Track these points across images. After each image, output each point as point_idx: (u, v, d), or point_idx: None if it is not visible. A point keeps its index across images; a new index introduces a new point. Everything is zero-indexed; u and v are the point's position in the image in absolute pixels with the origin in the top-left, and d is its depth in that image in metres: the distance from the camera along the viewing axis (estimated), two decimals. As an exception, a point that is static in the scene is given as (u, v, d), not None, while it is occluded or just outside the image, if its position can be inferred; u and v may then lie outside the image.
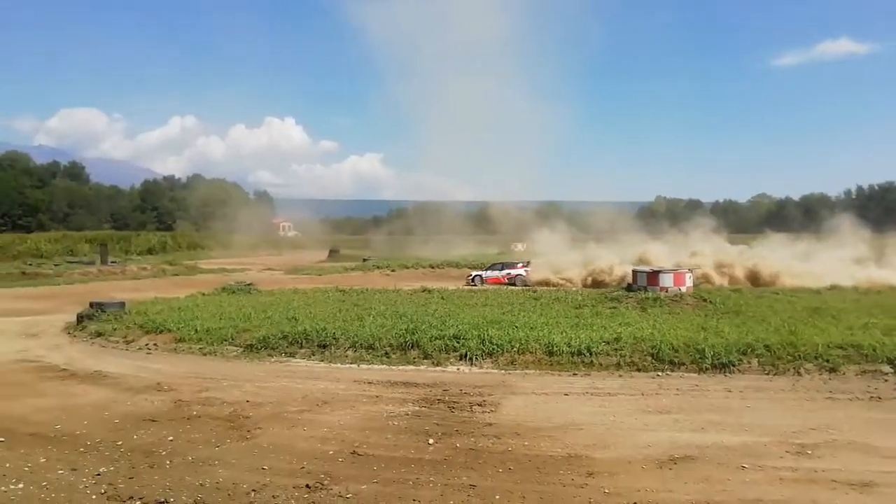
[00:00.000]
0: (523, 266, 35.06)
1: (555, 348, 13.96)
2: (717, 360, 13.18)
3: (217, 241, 71.22)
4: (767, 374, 12.91)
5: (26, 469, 8.09)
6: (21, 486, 7.54)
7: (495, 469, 8.16)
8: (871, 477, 7.79)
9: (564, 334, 14.84)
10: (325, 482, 7.68)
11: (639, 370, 13.25)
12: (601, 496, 7.36)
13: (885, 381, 12.26)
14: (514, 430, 9.71)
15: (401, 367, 13.91)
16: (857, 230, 37.17)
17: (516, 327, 15.77)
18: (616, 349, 13.85)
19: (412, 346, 14.72)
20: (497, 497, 7.32)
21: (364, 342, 14.99)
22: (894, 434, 9.41)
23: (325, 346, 15.09)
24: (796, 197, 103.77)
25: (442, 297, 23.50)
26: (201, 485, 7.60)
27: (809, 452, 8.73)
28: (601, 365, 13.46)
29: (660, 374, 13.04)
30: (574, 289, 29.23)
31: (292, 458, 8.54)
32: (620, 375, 13.03)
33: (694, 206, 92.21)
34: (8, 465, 8.22)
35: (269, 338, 15.59)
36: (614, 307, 19.76)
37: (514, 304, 21.02)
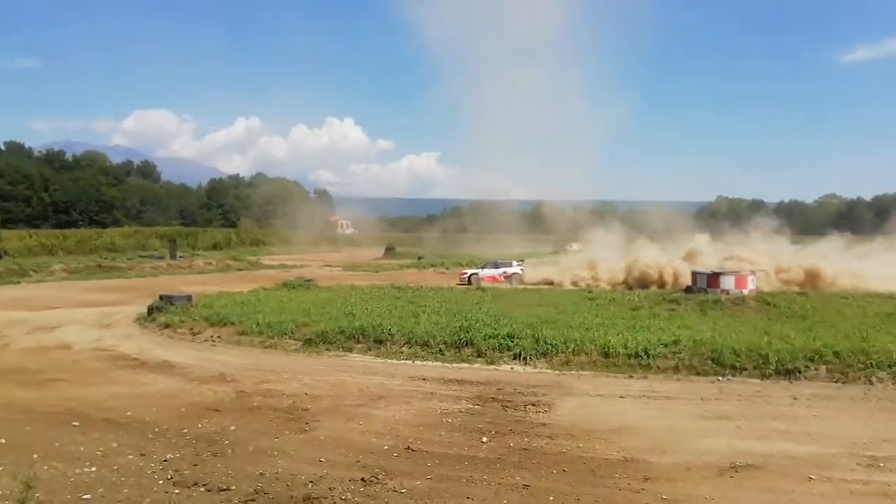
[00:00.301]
0: (518, 265, 35.14)
1: (611, 350, 13.75)
2: (782, 365, 12.70)
3: (278, 238, 73.15)
4: (836, 381, 12.36)
5: (98, 453, 8.54)
6: (94, 469, 7.96)
7: (549, 470, 8.12)
8: (950, 494, 7.38)
9: (621, 336, 14.59)
10: (380, 477, 7.81)
11: (698, 374, 12.91)
12: (658, 502, 7.22)
13: (968, 392, 11.56)
14: (569, 431, 9.63)
15: (455, 365, 13.98)
16: None
17: (571, 327, 15.61)
18: (674, 352, 13.53)
19: (466, 344, 14.78)
20: (551, 498, 7.28)
21: (419, 339, 15.14)
22: (976, 449, 8.87)
23: (380, 342, 15.32)
24: (868, 197, 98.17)
25: (495, 296, 23.47)
26: (261, 474, 7.86)
27: (882, 465, 8.31)
28: (658, 368, 13.18)
29: (720, 378, 12.67)
30: (601, 287, 28.56)
31: (348, 451, 8.72)
32: (679, 379, 12.72)
33: (757, 207, 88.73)
34: (82, 448, 8.70)
35: (327, 332, 15.93)
36: (673, 309, 19.29)
37: (569, 304, 20.79)
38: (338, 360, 14.72)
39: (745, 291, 21.12)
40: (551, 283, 31.35)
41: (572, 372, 13.30)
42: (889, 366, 12.47)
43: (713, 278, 21.88)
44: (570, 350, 13.95)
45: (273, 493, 7.27)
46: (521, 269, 34.30)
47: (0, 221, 47.08)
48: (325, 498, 7.14)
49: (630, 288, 27.81)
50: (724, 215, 68.66)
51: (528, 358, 13.94)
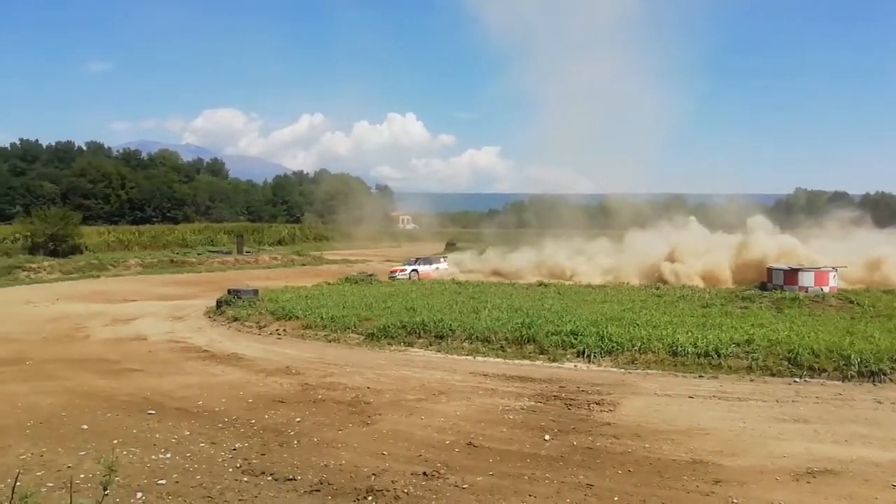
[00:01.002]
0: (444, 260, 38.08)
1: (679, 348, 13.32)
2: (866, 367, 11.98)
3: (340, 233, 74.46)
4: (926, 385, 11.58)
5: (173, 440, 8.87)
6: (168, 455, 8.28)
7: (614, 470, 7.92)
8: None
9: (690, 334, 14.11)
10: (442, 471, 7.80)
11: (773, 375, 12.33)
12: (730, 507, 6.93)
13: None
14: (635, 431, 9.37)
15: (516, 361, 13.85)
16: None
17: (637, 325, 15.21)
18: (748, 352, 12.97)
19: (528, 341, 14.61)
20: (616, 499, 7.09)
21: (480, 335, 15.07)
22: None
23: (441, 337, 15.34)
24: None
25: (558, 293, 23.15)
26: (325, 465, 7.98)
27: (978, 477, 7.72)
28: (730, 368, 12.67)
29: (797, 380, 12.06)
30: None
31: (410, 445, 8.76)
32: (752, 380, 12.19)
33: (839, 198, 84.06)
34: (158, 435, 9.06)
35: (388, 327, 16.07)
36: (746, 307, 18.52)
37: (636, 301, 20.29)
38: (399, 354, 14.84)
39: (826, 289, 20.09)
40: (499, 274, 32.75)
41: (638, 371, 12.95)
42: None
43: (791, 275, 20.91)
44: (636, 348, 13.59)
45: (337, 484, 7.37)
46: (444, 265, 36.84)
47: (81, 218, 49.70)
48: (388, 491, 7.18)
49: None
50: (802, 208, 65.33)
51: (592, 356, 13.67)
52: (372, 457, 8.28)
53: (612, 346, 13.75)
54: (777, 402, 10.80)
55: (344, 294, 22.43)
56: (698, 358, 13.02)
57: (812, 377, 12.11)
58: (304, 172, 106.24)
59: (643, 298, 20.94)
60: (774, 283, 21.21)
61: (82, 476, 7.35)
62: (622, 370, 13.03)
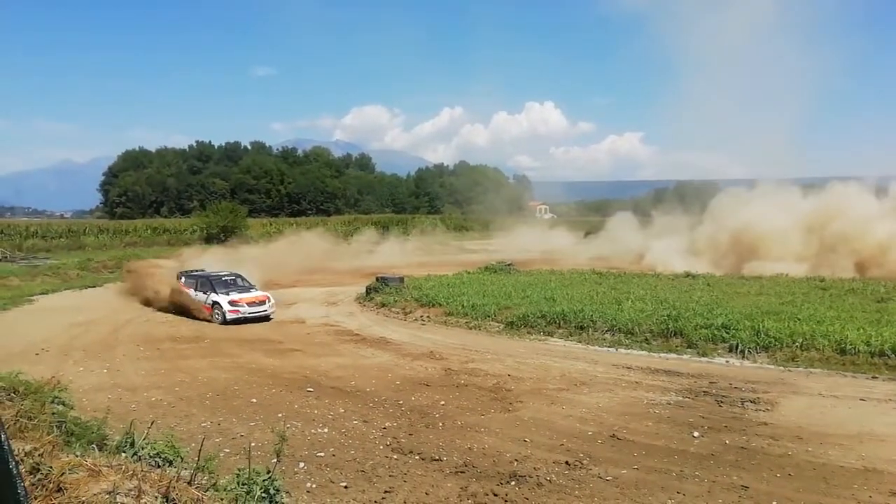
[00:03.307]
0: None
1: (849, 346, 12.15)
2: None
3: (479, 223, 75.47)
4: None
5: (329, 416, 9.59)
6: (325, 430, 8.96)
7: (771, 472, 7.44)
8: None
9: (862, 331, 12.81)
10: (585, 462, 7.76)
11: (966, 379, 10.90)
12: (909, 522, 6.27)
13: None
14: (795, 433, 8.72)
15: (662, 355, 13.36)
16: None
17: (798, 320, 14.04)
18: (933, 352, 11.55)
19: (674, 334, 14.03)
20: (774, 503, 6.67)
21: (622, 327, 14.69)
22: None
23: (582, 328, 15.14)
24: None
25: (708, 284, 21.92)
26: (469, 448, 8.24)
27: None
28: (911, 369, 11.36)
29: None
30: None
31: (552, 433, 8.79)
32: (939, 384, 10.85)
33: None
34: (316, 411, 9.83)
35: (528, 316, 16.13)
36: (931, 302, 16.45)
37: (796, 294, 18.72)
38: (539, 343, 14.85)
39: None
40: None
41: (800, 369, 11.99)
42: None
43: None
44: (797, 345, 12.59)
45: (481, 467, 7.58)
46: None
47: (247, 212, 54.72)
48: (531, 477, 7.28)
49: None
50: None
51: (746, 351, 12.86)
52: (514, 443, 8.42)
53: (769, 342, 12.84)
54: (971, 410, 9.54)
55: (483, 283, 22.76)
56: (871, 357, 11.81)
57: None
58: (445, 165, 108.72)
59: (805, 291, 19.26)
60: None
61: (253, 444, 8.17)
62: (781, 367, 12.13)
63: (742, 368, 12.26)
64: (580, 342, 14.65)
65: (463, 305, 17.88)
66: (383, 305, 19.68)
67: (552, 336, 15.26)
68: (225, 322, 17.69)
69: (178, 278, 20.23)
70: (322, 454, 7.98)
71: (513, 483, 7.14)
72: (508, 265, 29.24)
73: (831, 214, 28.29)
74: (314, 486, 7.04)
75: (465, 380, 11.68)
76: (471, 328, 16.55)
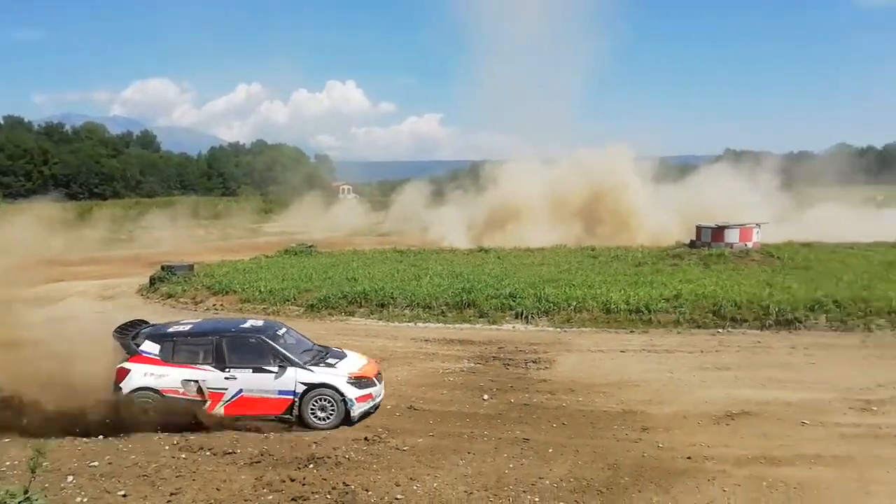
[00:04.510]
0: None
1: (612, 306, 13.83)
2: (782, 316, 12.77)
3: (279, 205, 73.03)
4: (836, 330, 12.45)
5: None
6: (100, 437, 8.08)
7: (549, 424, 8.24)
8: (945, 436, 7.48)
9: (623, 292, 14.64)
10: (383, 436, 7.94)
11: (699, 327, 13.00)
12: (654, 450, 7.34)
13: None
14: (569, 386, 9.74)
15: (457, 326, 14.07)
16: None
17: (573, 286, 15.65)
18: (675, 307, 13.59)
19: (468, 305, 14.85)
20: (550, 451, 7.40)
21: (421, 301, 15.20)
22: (973, 392, 8.95)
23: (383, 306, 15.39)
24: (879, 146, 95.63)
25: (498, 257, 23.48)
26: (266, 437, 8.00)
27: (875, 409, 8.43)
28: (659, 322, 13.27)
29: (720, 331, 12.76)
30: None
31: (351, 412, 8.82)
32: (679, 333, 12.81)
33: (762, 159, 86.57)
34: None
35: (329, 298, 15.99)
36: (675, 264, 19.29)
37: (572, 263, 20.80)
38: (340, 324, 14.83)
39: (750, 244, 21.08)
40: None
41: (574, 329, 13.39)
42: (888, 313, 12.56)
43: (718, 232, 21.81)
44: (572, 308, 14.02)
45: (277, 454, 7.39)
46: None
47: (1, 196, 47.09)
48: (329, 458, 7.28)
49: None
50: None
51: (529, 317, 14.03)
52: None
53: (549, 307, 14.14)
54: (702, 352, 11.41)
55: (283, 266, 22.09)
56: (630, 314, 13.56)
57: (734, 328, 12.83)
58: (241, 143, 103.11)
59: (579, 260, 21.48)
60: (703, 240, 22.10)
61: (8, 463, 7.14)
62: (558, 329, 13.45)
63: (526, 332, 13.38)
64: (381, 319, 14.89)
65: (260, 291, 17.20)
66: (170, 296, 18.23)
67: (353, 315, 15.32)
68: (348, 422, 8.44)
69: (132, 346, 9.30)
70: (96, 463, 7.21)
71: (311, 466, 7.07)
72: (310, 247, 28.65)
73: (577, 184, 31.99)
74: (86, 499, 6.35)
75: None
76: (268, 314, 15.95)
